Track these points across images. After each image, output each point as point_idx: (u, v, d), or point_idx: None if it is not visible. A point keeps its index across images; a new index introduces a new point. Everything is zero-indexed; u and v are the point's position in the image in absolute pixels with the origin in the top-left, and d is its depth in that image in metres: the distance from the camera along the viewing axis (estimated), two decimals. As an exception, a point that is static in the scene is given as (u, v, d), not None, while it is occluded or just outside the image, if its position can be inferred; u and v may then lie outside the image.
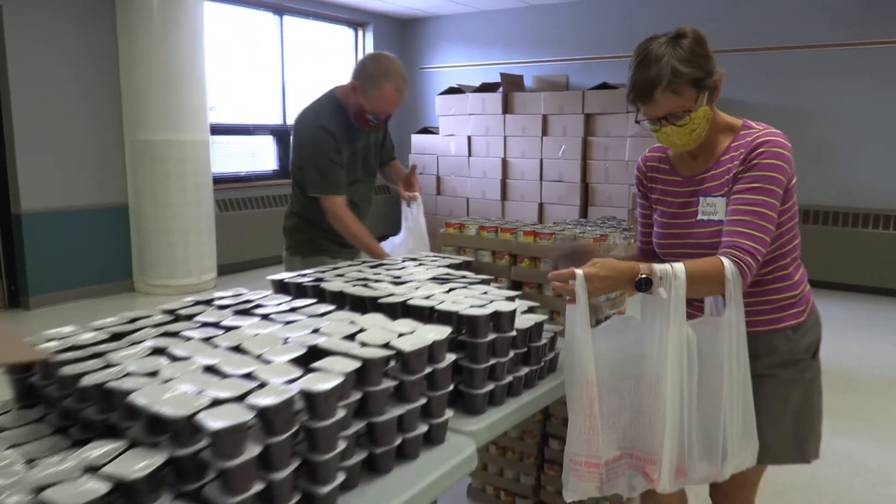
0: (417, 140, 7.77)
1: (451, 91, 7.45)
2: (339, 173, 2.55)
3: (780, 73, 6.30)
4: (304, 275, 1.81)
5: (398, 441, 1.21)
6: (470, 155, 7.27)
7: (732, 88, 6.36)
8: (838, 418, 3.46)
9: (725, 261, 1.47)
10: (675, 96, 1.53)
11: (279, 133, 7.25)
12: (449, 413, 1.33)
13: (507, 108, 6.99)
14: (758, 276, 1.61)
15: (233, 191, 6.60)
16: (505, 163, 7.04)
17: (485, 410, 1.46)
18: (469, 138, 7.25)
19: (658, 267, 1.46)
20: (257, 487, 0.92)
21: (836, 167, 6.20)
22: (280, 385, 1.01)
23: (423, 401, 1.26)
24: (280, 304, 1.53)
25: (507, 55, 7.73)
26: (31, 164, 5.13)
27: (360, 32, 8.21)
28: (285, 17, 7.22)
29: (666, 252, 1.73)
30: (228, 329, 1.33)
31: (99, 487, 0.83)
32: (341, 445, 1.04)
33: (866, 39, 5.93)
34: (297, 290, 1.75)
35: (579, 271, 1.43)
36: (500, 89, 7.09)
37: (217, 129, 6.42)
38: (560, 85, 7.04)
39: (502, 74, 7.03)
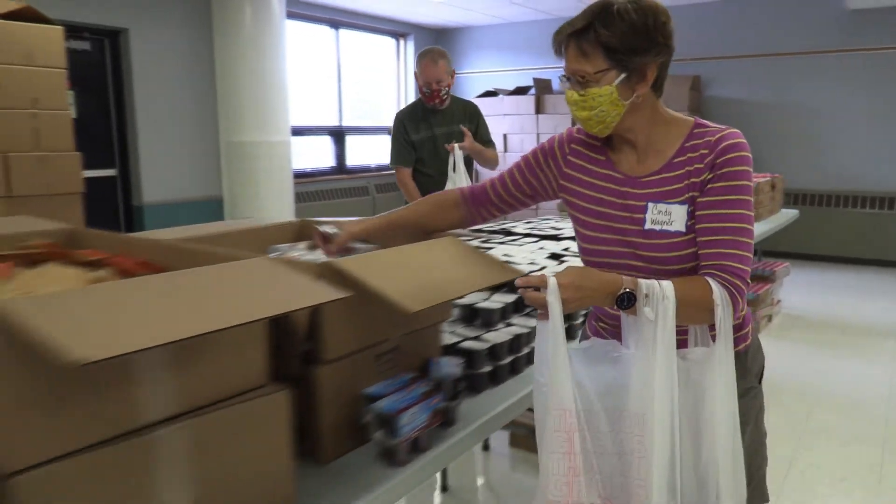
0: (455, 138, 8.70)
1: (488, 94, 8.39)
2: (405, 151, 3.50)
3: (778, 74, 7.29)
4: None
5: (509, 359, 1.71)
6: (506, 150, 8.21)
7: (739, 88, 7.37)
8: (841, 354, 4.47)
9: (714, 285, 1.28)
10: (581, 55, 1.34)
11: (336, 133, 8.15)
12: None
13: (539, 108, 7.93)
14: None
15: (300, 185, 7.50)
16: (538, 157, 7.98)
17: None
18: (505, 136, 8.18)
19: (643, 283, 1.26)
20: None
21: (826, 156, 7.21)
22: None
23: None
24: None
25: (535, 61, 8.67)
26: (149, 163, 6.03)
27: (402, 42, 9.13)
28: (340, 30, 8.14)
29: (600, 262, 1.45)
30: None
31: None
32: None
33: (852, 47, 6.93)
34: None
35: (552, 279, 1.24)
36: (532, 91, 8.03)
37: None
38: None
39: (535, 79, 7.98)
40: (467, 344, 1.64)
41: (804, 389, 3.85)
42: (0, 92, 3.73)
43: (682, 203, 1.38)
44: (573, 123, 1.57)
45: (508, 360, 1.70)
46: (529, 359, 1.76)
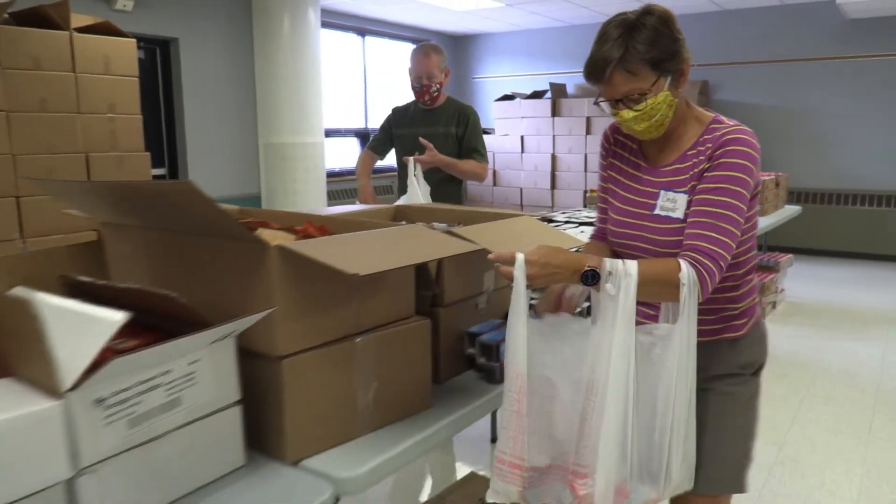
0: (474, 139, 9.14)
1: (506, 98, 8.83)
2: (380, 138, 3.53)
3: (782, 80, 7.72)
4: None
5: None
6: (523, 151, 8.64)
7: (745, 92, 7.80)
8: (839, 335, 4.90)
9: (683, 264, 1.34)
10: (630, 76, 1.42)
11: (362, 135, 8.60)
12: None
13: (555, 111, 8.36)
14: None
15: (331, 184, 7.95)
16: (554, 157, 8.41)
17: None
18: (522, 137, 8.62)
19: (608, 261, 1.34)
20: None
21: (827, 156, 7.64)
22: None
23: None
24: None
25: (551, 67, 9.10)
26: (195, 163, 6.48)
27: (423, 48, 9.58)
28: (367, 38, 8.59)
29: (618, 244, 1.62)
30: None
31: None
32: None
33: (850, 54, 7.36)
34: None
35: (520, 255, 1.33)
36: (548, 95, 8.47)
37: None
38: (597, 92, 8.41)
39: (551, 84, 8.42)
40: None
41: (806, 363, 4.29)
42: (83, 98, 4.19)
43: (685, 192, 1.49)
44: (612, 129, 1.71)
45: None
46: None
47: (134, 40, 4.49)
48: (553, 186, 8.45)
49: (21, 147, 3.89)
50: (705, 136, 1.50)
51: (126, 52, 4.43)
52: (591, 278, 1.33)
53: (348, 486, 1.24)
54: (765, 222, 4.78)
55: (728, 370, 1.58)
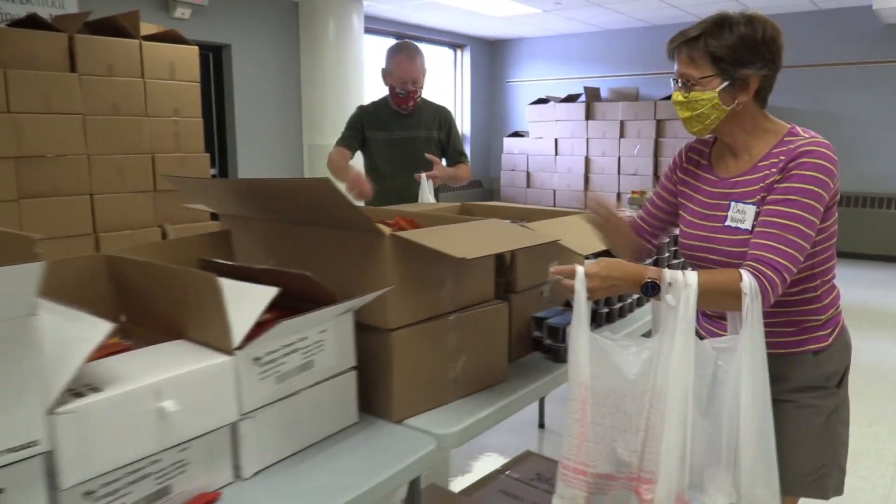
0: (509, 142, 9.34)
1: (540, 101, 9.01)
2: (351, 137, 3.13)
3: (817, 84, 7.81)
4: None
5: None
6: (557, 154, 8.82)
7: (782, 97, 7.88)
8: (872, 336, 5.02)
9: (745, 274, 1.35)
10: (690, 61, 1.48)
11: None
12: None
13: (588, 115, 8.53)
14: (784, 295, 1.46)
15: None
16: (587, 160, 8.58)
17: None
18: (556, 140, 8.80)
19: (668, 272, 1.36)
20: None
21: (865, 160, 7.72)
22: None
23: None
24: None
25: (584, 71, 9.27)
26: (244, 163, 6.76)
27: (459, 53, 9.81)
28: (405, 43, 8.84)
29: (689, 256, 1.64)
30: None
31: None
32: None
33: (886, 58, 7.43)
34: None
35: (580, 268, 1.36)
36: (582, 99, 8.64)
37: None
38: (631, 96, 8.56)
39: (585, 88, 8.58)
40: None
41: (838, 363, 4.43)
42: (150, 102, 4.47)
43: (754, 203, 1.48)
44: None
45: (617, 305, 2.32)
46: (632, 307, 2.40)
47: (196, 47, 4.77)
48: (586, 188, 8.62)
49: (95, 148, 4.17)
50: (779, 149, 1.49)
51: (189, 59, 4.71)
52: (652, 289, 1.36)
53: (447, 441, 1.45)
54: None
55: (812, 382, 1.56)
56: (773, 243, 1.39)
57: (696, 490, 1.38)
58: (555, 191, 8.86)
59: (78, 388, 1.01)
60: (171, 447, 1.11)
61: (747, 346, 1.34)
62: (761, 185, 1.48)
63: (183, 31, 5.98)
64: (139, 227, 4.45)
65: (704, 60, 1.46)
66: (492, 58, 10.12)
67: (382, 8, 7.70)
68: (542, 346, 1.94)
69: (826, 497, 1.59)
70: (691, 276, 1.35)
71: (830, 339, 1.57)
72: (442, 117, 3.22)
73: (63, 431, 0.96)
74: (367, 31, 7.98)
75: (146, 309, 1.40)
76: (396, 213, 1.85)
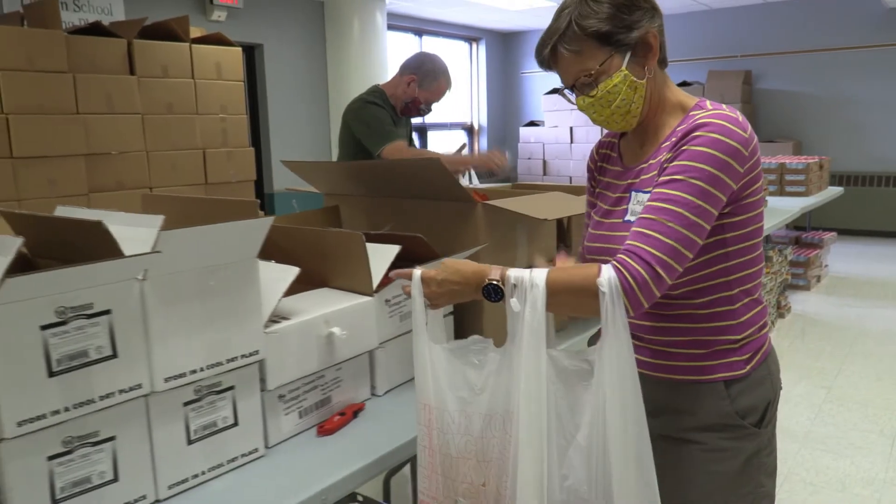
0: (525, 131, 9.65)
1: (555, 91, 9.31)
2: (390, 128, 2.90)
3: (823, 68, 8.09)
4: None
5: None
6: (572, 142, 9.12)
7: (788, 81, 8.20)
8: (879, 304, 5.33)
9: (605, 268, 1.07)
10: (575, 56, 1.23)
11: (419, 129, 9.16)
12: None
13: (602, 103, 8.81)
14: (689, 307, 1.24)
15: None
16: (602, 147, 8.87)
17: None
18: (571, 129, 9.10)
19: (513, 273, 1.13)
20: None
21: (869, 141, 8.01)
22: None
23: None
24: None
25: (597, 61, 9.55)
26: (277, 155, 7.10)
27: (475, 46, 10.11)
28: (424, 37, 9.15)
29: (591, 260, 1.33)
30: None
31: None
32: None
33: (890, 42, 7.71)
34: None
35: (417, 271, 1.21)
36: (596, 88, 8.93)
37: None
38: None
39: (598, 77, 8.87)
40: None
41: (848, 326, 4.77)
42: (200, 101, 4.80)
43: (651, 191, 1.18)
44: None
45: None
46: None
47: (240, 49, 5.10)
48: (602, 174, 8.92)
49: (153, 145, 4.51)
50: (682, 126, 1.23)
51: (233, 60, 5.04)
52: (494, 294, 1.14)
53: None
54: (809, 202, 5.21)
55: (723, 419, 1.25)
56: (646, 230, 1.11)
57: None
58: (571, 178, 9.17)
59: (272, 317, 1.34)
60: (332, 365, 1.44)
61: (612, 361, 1.06)
62: (657, 170, 1.23)
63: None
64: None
65: (591, 45, 1.22)
66: (506, 50, 10.42)
67: (403, 5, 8.01)
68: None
69: None
70: (539, 275, 1.11)
71: (747, 368, 1.26)
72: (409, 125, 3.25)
73: (271, 346, 1.29)
74: (389, 27, 8.30)
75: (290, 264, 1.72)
76: (473, 189, 2.17)
